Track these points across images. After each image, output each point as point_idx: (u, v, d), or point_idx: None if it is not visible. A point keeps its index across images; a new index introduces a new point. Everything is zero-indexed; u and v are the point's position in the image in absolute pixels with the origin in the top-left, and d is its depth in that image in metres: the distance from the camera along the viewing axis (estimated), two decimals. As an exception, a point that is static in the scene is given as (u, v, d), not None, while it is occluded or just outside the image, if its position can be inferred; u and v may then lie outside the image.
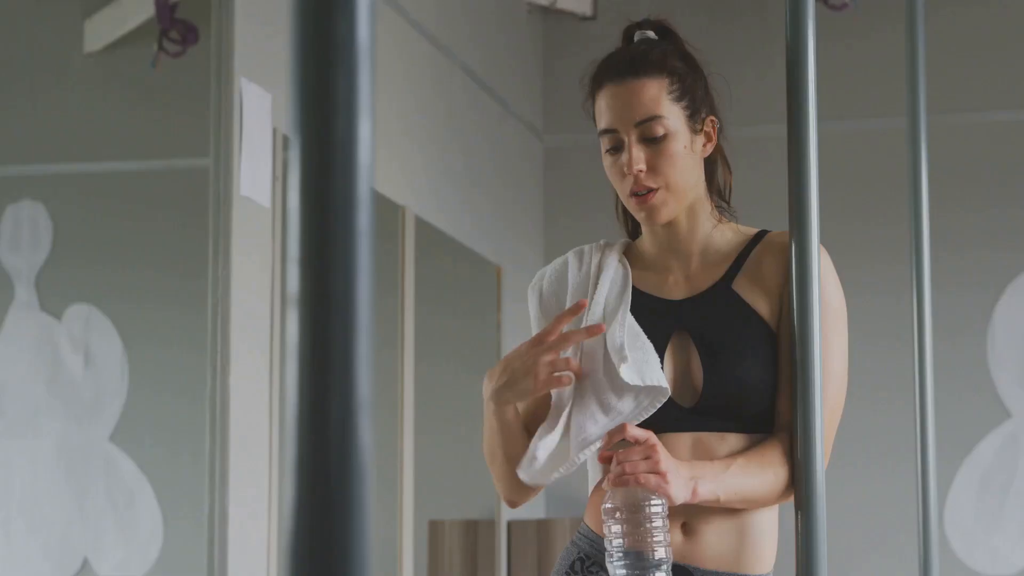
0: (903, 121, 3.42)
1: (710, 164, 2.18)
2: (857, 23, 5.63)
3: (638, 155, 2.09)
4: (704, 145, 2.14)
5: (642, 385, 2.02)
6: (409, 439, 4.58)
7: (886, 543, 5.58)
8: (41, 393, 3.76)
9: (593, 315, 2.11)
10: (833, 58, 5.45)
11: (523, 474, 2.07)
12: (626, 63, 2.12)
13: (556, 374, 2.03)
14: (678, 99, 2.10)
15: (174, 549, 3.70)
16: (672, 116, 2.10)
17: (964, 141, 5.71)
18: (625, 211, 2.21)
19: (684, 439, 2.06)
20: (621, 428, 1.99)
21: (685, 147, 2.10)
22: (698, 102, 2.13)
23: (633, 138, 2.09)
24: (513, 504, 2.18)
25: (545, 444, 2.05)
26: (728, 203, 2.21)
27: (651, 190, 2.10)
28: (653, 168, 2.09)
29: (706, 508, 2.05)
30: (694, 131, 2.12)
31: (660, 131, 2.09)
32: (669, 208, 2.12)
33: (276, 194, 3.67)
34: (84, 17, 3.80)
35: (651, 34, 2.19)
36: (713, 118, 2.15)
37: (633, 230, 2.25)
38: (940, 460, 3.59)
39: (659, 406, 2.03)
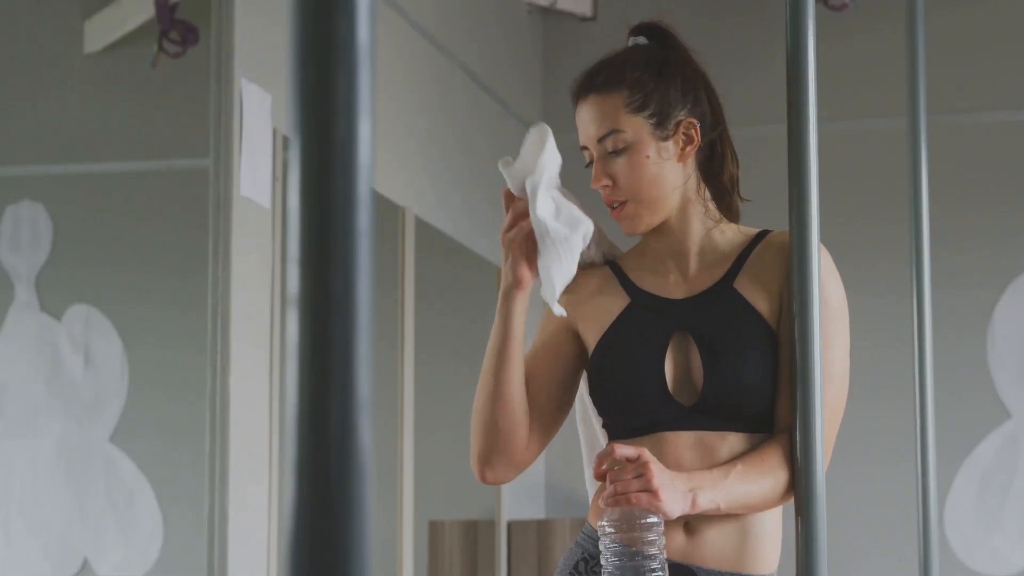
0: (903, 121, 3.42)
1: (715, 161, 2.18)
2: (857, 23, 5.63)
3: (600, 171, 2.12)
4: (684, 148, 2.13)
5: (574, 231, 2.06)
6: (409, 439, 4.58)
7: (886, 543, 5.58)
8: (41, 393, 3.76)
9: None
10: (833, 58, 5.44)
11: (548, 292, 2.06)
12: (586, 80, 2.15)
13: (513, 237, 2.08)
14: (639, 110, 2.10)
15: (174, 549, 3.70)
16: (632, 128, 2.10)
17: (964, 141, 5.71)
18: None
19: (685, 438, 2.06)
20: (611, 450, 1.99)
21: (649, 157, 2.11)
22: (668, 107, 2.12)
23: (597, 154, 2.13)
24: (483, 474, 2.13)
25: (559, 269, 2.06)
26: (739, 196, 2.19)
27: (621, 203, 2.12)
28: (618, 182, 2.11)
29: (708, 509, 2.05)
30: (663, 138, 2.11)
31: (620, 145, 2.10)
32: (643, 219, 2.13)
33: (276, 194, 3.67)
34: (84, 17, 3.80)
35: (642, 39, 2.19)
36: (692, 119, 2.13)
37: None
38: (940, 460, 3.59)
39: (588, 240, 2.08)
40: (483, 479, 2.15)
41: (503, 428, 2.11)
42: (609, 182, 2.11)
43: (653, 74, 2.12)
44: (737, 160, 2.19)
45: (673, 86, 2.13)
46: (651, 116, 2.11)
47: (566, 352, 2.16)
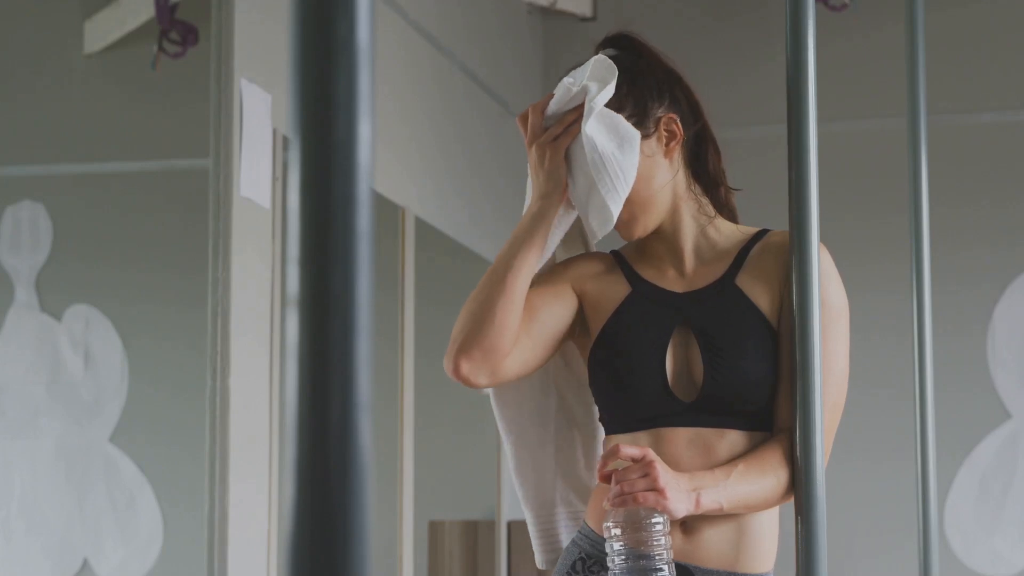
0: (903, 121, 3.42)
1: (700, 156, 2.18)
2: (857, 23, 5.63)
3: None
4: (667, 144, 2.13)
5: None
6: (409, 439, 4.58)
7: (886, 543, 5.58)
8: (41, 393, 3.76)
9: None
10: (833, 58, 5.44)
11: (601, 224, 2.08)
12: None
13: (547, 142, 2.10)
14: (616, 112, 2.10)
15: (174, 549, 3.70)
16: None
17: (964, 141, 5.71)
18: None
19: (683, 435, 2.06)
20: (615, 449, 1.99)
21: None
22: (645, 107, 2.12)
23: None
24: (458, 363, 2.07)
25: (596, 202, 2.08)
26: (727, 187, 2.19)
27: None
28: None
29: (706, 508, 2.05)
30: (644, 136, 2.11)
31: None
32: (638, 221, 2.13)
33: (276, 194, 3.66)
34: (84, 17, 3.80)
35: (611, 51, 2.20)
36: (671, 115, 2.14)
37: None
38: (940, 460, 3.60)
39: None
40: (456, 370, 2.08)
41: (497, 321, 2.07)
42: None
43: (626, 80, 2.13)
44: (719, 151, 2.19)
45: (647, 89, 2.14)
46: (630, 117, 2.11)
47: (567, 303, 2.15)
